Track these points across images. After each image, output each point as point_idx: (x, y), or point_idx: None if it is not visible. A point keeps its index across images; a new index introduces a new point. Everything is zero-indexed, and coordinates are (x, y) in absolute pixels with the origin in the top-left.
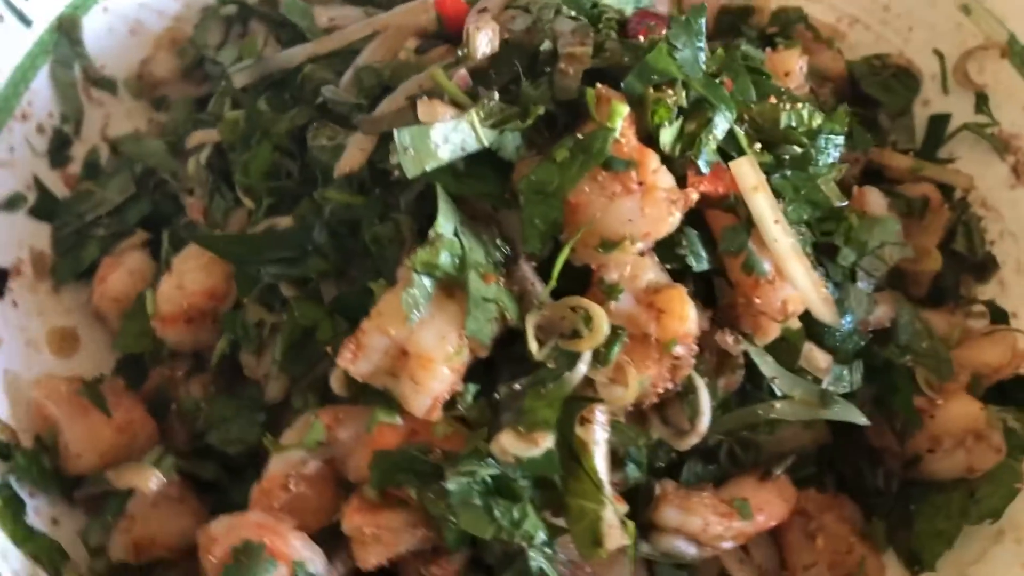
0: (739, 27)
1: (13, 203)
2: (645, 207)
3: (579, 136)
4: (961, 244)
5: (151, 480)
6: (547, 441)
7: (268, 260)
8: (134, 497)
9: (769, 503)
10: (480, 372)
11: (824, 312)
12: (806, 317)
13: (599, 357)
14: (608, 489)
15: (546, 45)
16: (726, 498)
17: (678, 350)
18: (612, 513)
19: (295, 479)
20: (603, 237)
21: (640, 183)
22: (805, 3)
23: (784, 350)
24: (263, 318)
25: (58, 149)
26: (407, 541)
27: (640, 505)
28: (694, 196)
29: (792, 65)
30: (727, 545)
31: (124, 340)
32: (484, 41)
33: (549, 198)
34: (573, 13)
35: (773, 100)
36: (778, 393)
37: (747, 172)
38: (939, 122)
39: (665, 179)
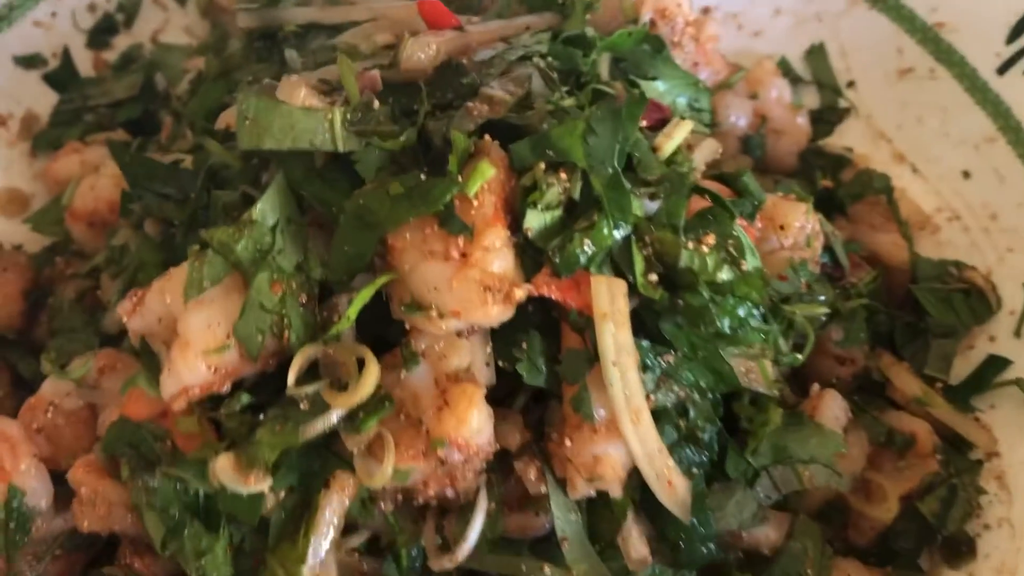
0: (816, 175)
1: (31, 62)
2: (454, 282)
3: (422, 177)
4: (929, 507)
5: None
6: (260, 484)
7: (155, 191)
8: None
9: None
10: (271, 389)
11: (664, 495)
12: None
13: (355, 419)
14: (311, 567)
15: (470, 79)
16: None
17: (447, 454)
18: None
19: (55, 408)
20: (412, 294)
21: (462, 255)
22: (910, 180)
23: (603, 513)
24: (129, 243)
25: (101, 32)
26: (119, 521)
27: None
28: (520, 294)
29: (791, 220)
30: None
31: (39, 220)
32: (413, 53)
33: (367, 228)
34: (550, 67)
35: (691, 239)
36: (566, 556)
37: (600, 293)
38: (995, 365)
39: (497, 263)
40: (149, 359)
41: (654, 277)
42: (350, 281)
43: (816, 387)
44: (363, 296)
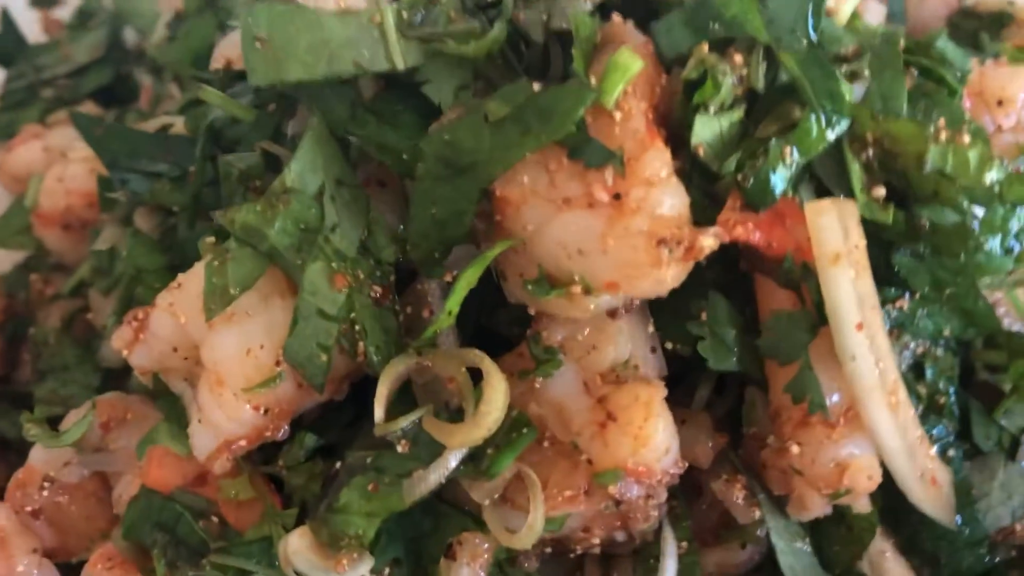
0: (982, 39)
1: None
2: (609, 238)
3: (537, 88)
4: None
5: None
6: (357, 568)
7: (142, 171)
8: None
9: None
10: (343, 419)
11: (924, 499)
12: (897, 494)
13: (480, 459)
14: None
15: None
16: None
17: (621, 490)
18: None
19: (52, 483)
20: (541, 266)
21: (615, 195)
22: None
23: (840, 535)
24: (119, 246)
25: None
26: None
27: None
28: (708, 243)
29: (1012, 91)
30: None
31: (1, 232)
32: None
33: (461, 178)
34: None
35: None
36: None
37: (827, 225)
38: None
39: (667, 201)
40: (169, 404)
41: (881, 191)
42: (442, 259)
43: None
44: (468, 278)
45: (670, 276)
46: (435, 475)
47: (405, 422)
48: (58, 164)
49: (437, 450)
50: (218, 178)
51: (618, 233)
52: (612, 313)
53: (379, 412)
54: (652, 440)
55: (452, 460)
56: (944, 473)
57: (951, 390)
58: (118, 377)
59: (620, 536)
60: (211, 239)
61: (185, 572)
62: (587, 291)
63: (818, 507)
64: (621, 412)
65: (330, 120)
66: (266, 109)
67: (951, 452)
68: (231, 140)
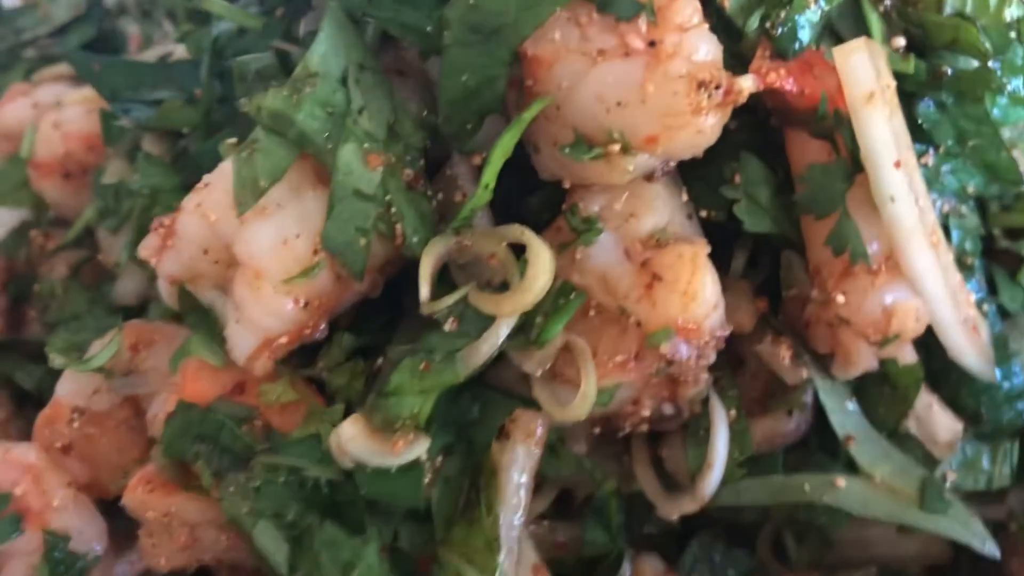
0: None
1: None
2: (650, 85)
3: None
4: None
5: None
6: (411, 450)
7: (145, 101)
8: None
9: None
10: (379, 321)
11: (965, 350)
12: (936, 349)
13: (530, 329)
14: (508, 552)
15: None
16: None
17: (674, 349)
18: None
19: (81, 413)
20: (576, 128)
21: (651, 43)
22: None
23: (884, 396)
24: (126, 180)
25: None
26: (211, 547)
27: None
28: (746, 87)
29: None
30: None
31: None
32: None
33: (490, 42)
34: None
35: None
36: (857, 464)
37: (860, 67)
38: None
39: (703, 46)
40: (200, 316)
41: (900, 41)
42: (474, 131)
43: None
44: (503, 146)
45: (709, 124)
46: (487, 345)
47: (451, 299)
48: (52, 111)
49: (485, 324)
50: (227, 94)
51: (657, 79)
52: (649, 177)
53: (424, 290)
54: (701, 295)
55: (503, 329)
56: (983, 323)
57: (978, 250)
58: (134, 316)
59: (668, 409)
60: (232, 140)
61: (232, 479)
62: (625, 150)
63: (865, 360)
64: (667, 271)
65: (347, 5)
66: (274, 15)
67: (985, 307)
68: (238, 53)
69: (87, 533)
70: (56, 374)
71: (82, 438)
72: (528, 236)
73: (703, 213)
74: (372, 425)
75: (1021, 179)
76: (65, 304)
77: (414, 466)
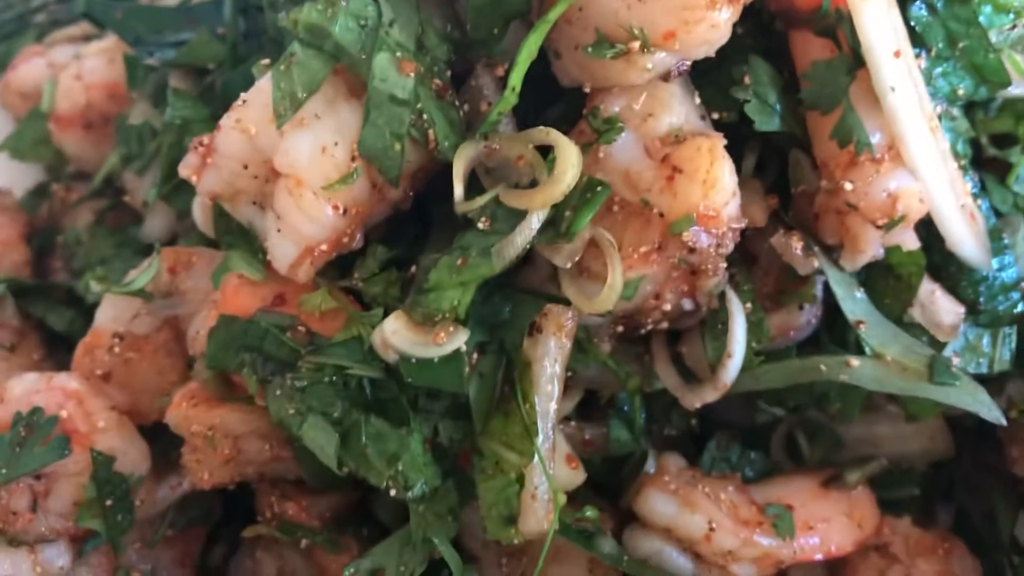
0: None
1: None
2: None
3: None
4: None
5: None
6: (453, 340)
7: (168, 43)
8: None
9: (828, 522)
10: (412, 234)
11: (964, 237)
12: (935, 244)
13: (560, 225)
14: (544, 438)
15: None
16: (760, 500)
17: (695, 237)
18: (542, 477)
19: (122, 339)
20: (599, 28)
21: None
22: None
23: (890, 287)
24: (151, 121)
25: None
26: (254, 459)
27: (625, 484)
28: None
29: None
30: (742, 571)
31: (17, 143)
32: None
33: None
34: None
35: None
36: (866, 349)
37: None
38: None
39: None
40: (237, 235)
41: None
42: (500, 36)
43: None
44: (529, 47)
45: (723, 19)
46: (521, 237)
47: (484, 199)
48: (72, 64)
49: (516, 221)
50: (251, 31)
51: None
52: (665, 77)
53: (459, 189)
54: (720, 182)
55: (535, 221)
56: (979, 213)
57: (969, 154)
58: None
59: (688, 305)
60: (265, 61)
61: (277, 382)
62: (644, 48)
63: (872, 246)
64: (687, 163)
65: None
66: None
67: (979, 202)
68: None
69: (131, 454)
70: (86, 315)
71: (122, 364)
72: (554, 135)
73: (715, 115)
74: (413, 320)
75: (1007, 81)
76: (92, 249)
77: (455, 355)
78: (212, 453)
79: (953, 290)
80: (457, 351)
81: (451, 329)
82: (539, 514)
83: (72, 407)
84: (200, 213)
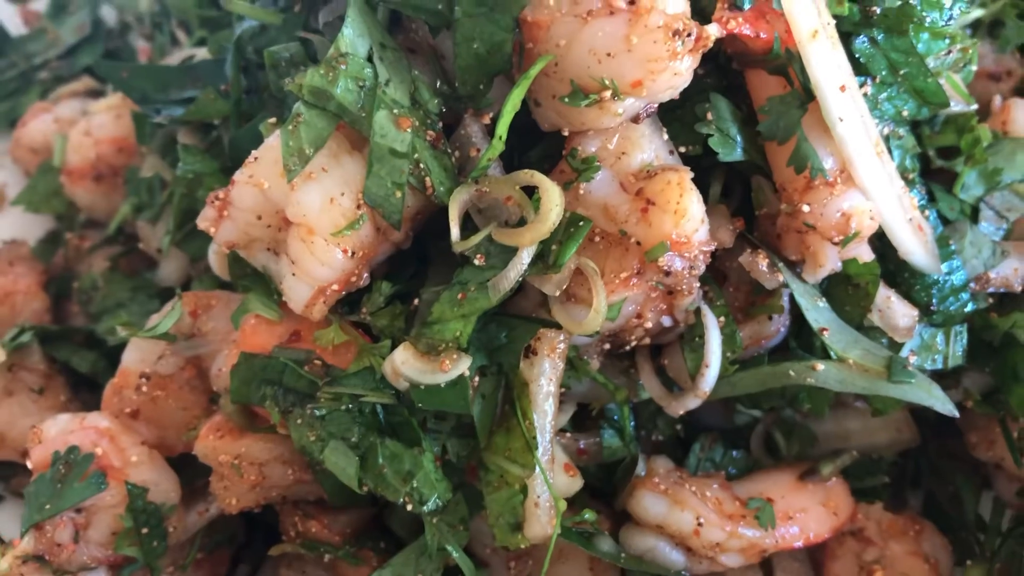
0: None
1: None
2: (634, 36)
3: None
4: None
5: None
6: (456, 367)
7: (173, 101)
8: None
9: (806, 512)
10: (411, 270)
11: (914, 247)
12: (890, 254)
13: (548, 258)
14: (546, 452)
15: None
16: (742, 495)
17: (669, 261)
18: (543, 487)
19: (149, 378)
20: (574, 80)
21: (631, 1)
22: None
23: (849, 296)
24: (161, 173)
25: None
26: (278, 483)
27: (619, 487)
28: (712, 33)
29: None
30: (730, 560)
31: (31, 196)
32: None
33: (496, 11)
34: None
35: None
36: (831, 353)
37: (804, 9)
38: None
39: (671, 2)
40: (253, 279)
41: None
42: (486, 91)
43: (997, 99)
44: (513, 100)
45: (685, 67)
46: (514, 271)
47: (478, 238)
48: (82, 120)
49: (508, 256)
50: (253, 87)
51: (639, 31)
52: (635, 119)
53: (455, 231)
54: (689, 211)
55: (525, 256)
56: (927, 223)
57: (917, 168)
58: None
59: (667, 321)
60: (272, 120)
61: (298, 412)
62: (615, 95)
63: (831, 260)
64: (658, 196)
65: None
66: (293, 11)
67: (927, 213)
68: (259, 48)
69: (163, 485)
70: (108, 357)
71: (149, 401)
72: (538, 177)
73: (682, 149)
74: (419, 350)
75: (946, 101)
76: (109, 294)
77: (460, 380)
78: (239, 480)
79: (908, 295)
80: (461, 376)
81: (455, 357)
82: (543, 520)
83: (106, 444)
84: (216, 260)
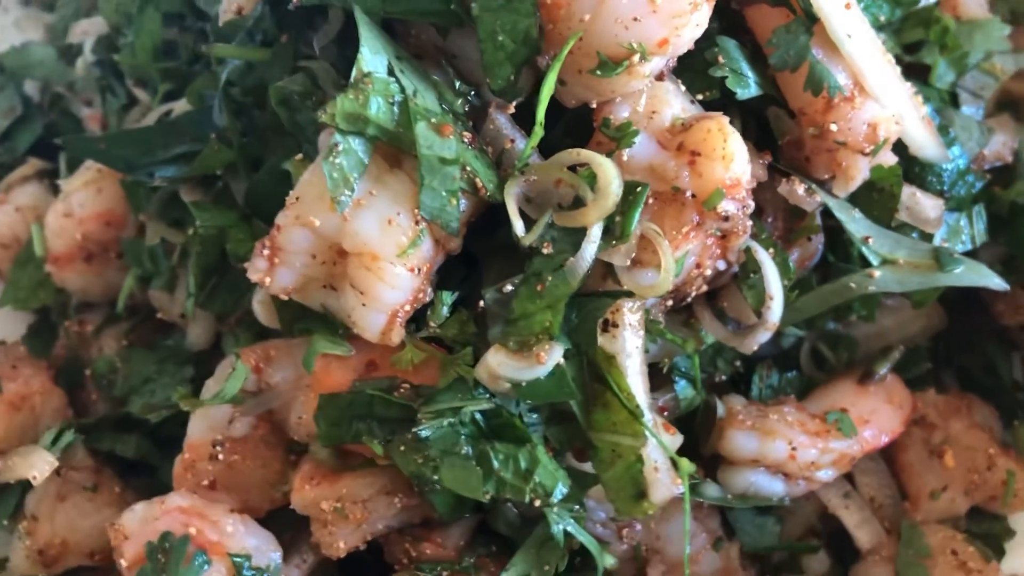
0: None
1: None
2: None
3: None
4: None
5: (41, 466)
6: (552, 356)
7: (162, 160)
8: (32, 491)
9: (877, 412)
10: (459, 275)
11: (925, 140)
12: (901, 154)
13: (613, 230)
14: (650, 417)
15: None
16: (817, 411)
17: (726, 207)
18: (657, 451)
19: (223, 445)
20: (600, 52)
21: None
22: None
23: (876, 201)
24: (167, 237)
25: None
26: (384, 515)
27: (701, 434)
28: None
29: None
30: (825, 475)
31: (15, 293)
32: None
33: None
34: None
35: None
36: (874, 260)
37: None
38: None
39: None
40: (312, 321)
41: None
42: (516, 82)
43: None
44: (549, 83)
45: (704, 16)
46: (589, 250)
47: (540, 226)
48: (56, 203)
49: (575, 238)
50: (247, 130)
51: None
52: (659, 77)
53: (518, 225)
54: (736, 154)
55: (596, 233)
56: (930, 118)
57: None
58: (208, 359)
59: (721, 265)
60: (298, 157)
61: (399, 439)
62: (643, 58)
63: (862, 172)
64: (702, 145)
65: (365, 8)
66: (283, 42)
67: (925, 108)
68: (248, 88)
69: (263, 547)
70: (151, 436)
71: (226, 468)
72: (586, 153)
73: (699, 96)
74: (511, 349)
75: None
76: (131, 373)
77: (558, 369)
78: (344, 522)
79: (923, 188)
80: (558, 365)
81: (547, 347)
82: (666, 482)
83: (197, 521)
84: (262, 310)
